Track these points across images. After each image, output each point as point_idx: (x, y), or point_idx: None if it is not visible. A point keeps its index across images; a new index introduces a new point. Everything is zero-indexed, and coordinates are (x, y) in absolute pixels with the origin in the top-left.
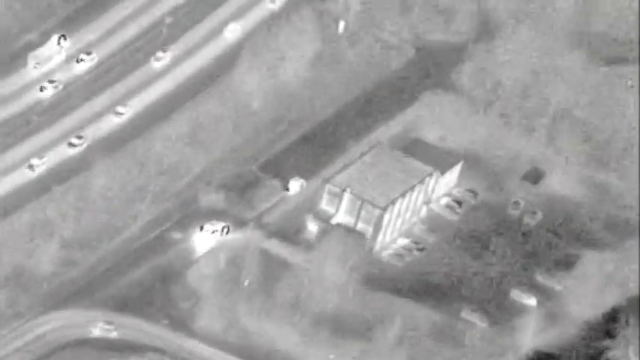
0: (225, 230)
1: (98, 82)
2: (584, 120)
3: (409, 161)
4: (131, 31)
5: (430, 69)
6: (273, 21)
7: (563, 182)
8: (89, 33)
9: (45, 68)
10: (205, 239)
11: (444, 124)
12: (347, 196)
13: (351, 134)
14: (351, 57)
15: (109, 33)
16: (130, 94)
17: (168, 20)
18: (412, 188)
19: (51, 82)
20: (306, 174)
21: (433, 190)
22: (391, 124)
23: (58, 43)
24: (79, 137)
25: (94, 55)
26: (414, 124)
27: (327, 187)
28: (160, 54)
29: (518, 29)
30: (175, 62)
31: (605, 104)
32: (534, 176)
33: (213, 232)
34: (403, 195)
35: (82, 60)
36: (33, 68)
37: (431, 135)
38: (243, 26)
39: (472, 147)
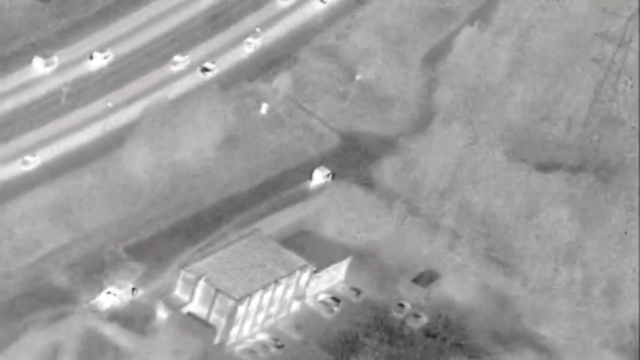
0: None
1: None
2: (496, 225)
3: (282, 253)
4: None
5: (350, 160)
6: (179, 97)
7: (458, 287)
8: None
9: None
10: (107, 301)
11: (346, 218)
12: (201, 284)
13: (239, 223)
14: (267, 142)
15: None
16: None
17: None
18: (278, 281)
19: None
20: (177, 260)
21: (307, 285)
22: (287, 214)
23: None
24: None
25: None
26: (312, 217)
27: (182, 273)
28: None
29: (452, 125)
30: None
31: (525, 211)
32: (426, 279)
33: (108, 293)
34: (265, 288)
35: None
36: None
37: (328, 228)
38: None
39: (370, 243)
